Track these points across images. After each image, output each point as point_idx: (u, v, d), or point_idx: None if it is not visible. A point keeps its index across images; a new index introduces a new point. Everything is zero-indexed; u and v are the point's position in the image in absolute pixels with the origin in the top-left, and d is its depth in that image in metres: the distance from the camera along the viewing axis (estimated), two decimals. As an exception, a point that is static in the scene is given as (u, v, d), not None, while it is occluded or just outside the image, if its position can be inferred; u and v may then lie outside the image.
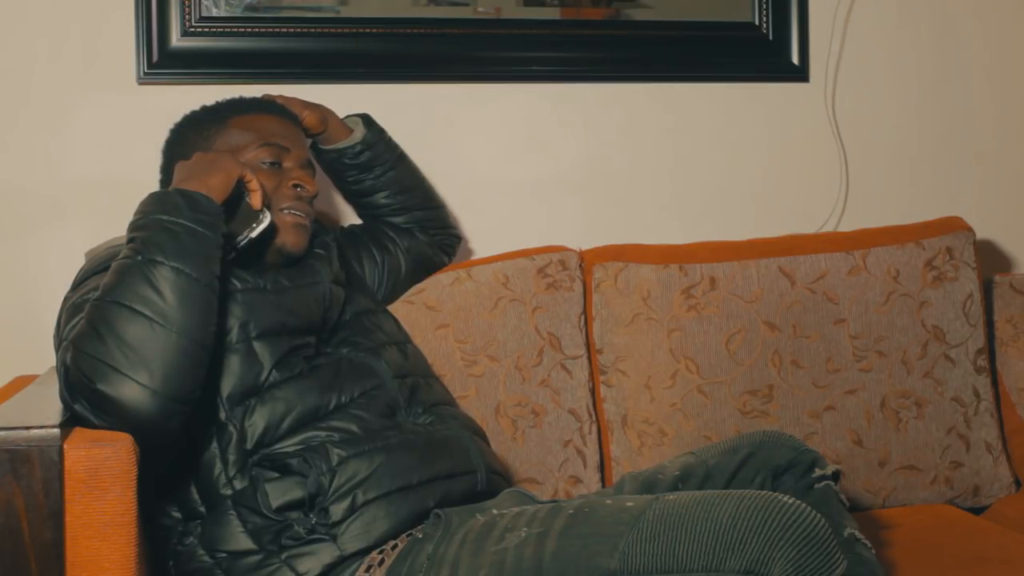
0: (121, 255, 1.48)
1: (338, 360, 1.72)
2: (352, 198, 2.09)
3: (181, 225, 1.49)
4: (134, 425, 1.40)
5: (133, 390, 1.39)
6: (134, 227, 1.51)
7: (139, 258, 1.45)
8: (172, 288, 1.44)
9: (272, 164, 1.77)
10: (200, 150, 1.74)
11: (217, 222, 1.54)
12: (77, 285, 1.61)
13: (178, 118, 1.85)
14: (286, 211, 1.74)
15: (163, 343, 1.41)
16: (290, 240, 1.74)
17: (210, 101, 1.86)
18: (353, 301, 1.84)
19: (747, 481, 1.66)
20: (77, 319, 1.47)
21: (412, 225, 2.07)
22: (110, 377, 1.39)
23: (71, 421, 1.42)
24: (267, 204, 1.68)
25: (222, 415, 1.60)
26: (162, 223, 1.48)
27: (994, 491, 2.17)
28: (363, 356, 1.75)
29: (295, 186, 1.76)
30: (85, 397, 1.40)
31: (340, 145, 1.98)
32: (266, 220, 1.65)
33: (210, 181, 1.57)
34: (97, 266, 1.61)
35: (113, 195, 2.10)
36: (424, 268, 2.08)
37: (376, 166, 2.01)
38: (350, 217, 2.19)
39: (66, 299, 1.58)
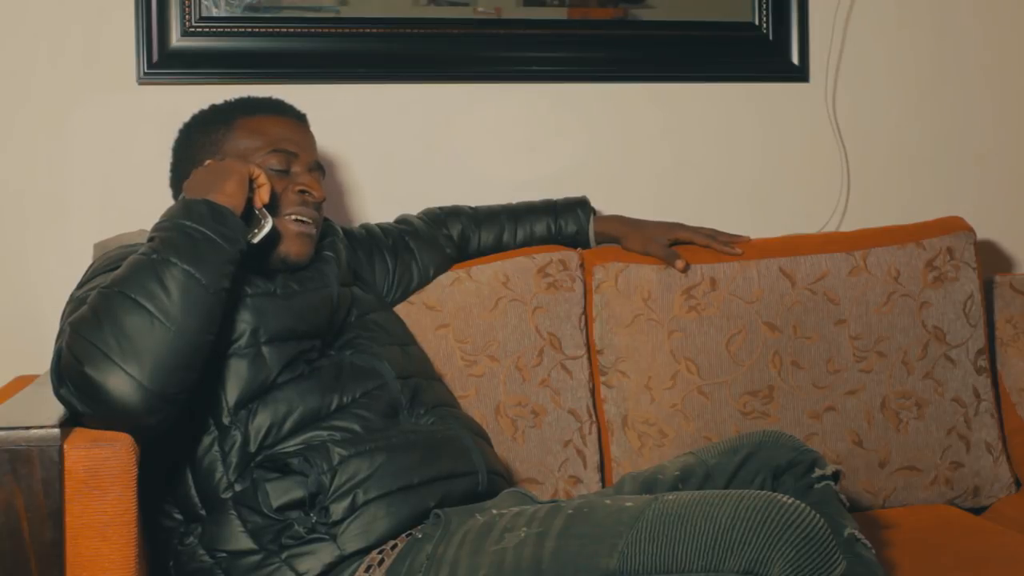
0: (139, 251, 1.50)
1: (340, 361, 1.71)
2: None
3: (202, 233, 1.50)
4: (115, 416, 1.40)
5: (120, 379, 1.39)
6: (157, 228, 1.52)
7: (154, 256, 1.46)
8: (180, 289, 1.44)
9: (280, 172, 1.74)
10: (208, 155, 1.73)
11: (239, 238, 1.54)
12: (83, 283, 1.60)
13: (186, 117, 1.84)
14: (291, 217, 1.72)
15: (159, 339, 1.41)
16: (293, 250, 1.72)
17: (218, 100, 1.84)
18: (359, 302, 1.83)
19: (747, 481, 1.66)
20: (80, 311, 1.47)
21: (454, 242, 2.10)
22: (100, 363, 1.39)
23: (71, 421, 1.42)
24: (270, 209, 1.66)
25: (225, 419, 1.60)
26: (184, 228, 1.50)
27: (994, 491, 2.17)
28: (366, 357, 1.74)
29: (301, 191, 1.74)
30: (72, 380, 1.40)
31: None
32: (267, 226, 1.63)
33: (227, 188, 1.58)
34: (105, 265, 1.61)
35: (113, 195, 2.11)
36: (438, 276, 2.08)
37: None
38: (355, 220, 2.19)
39: (71, 296, 1.58)
